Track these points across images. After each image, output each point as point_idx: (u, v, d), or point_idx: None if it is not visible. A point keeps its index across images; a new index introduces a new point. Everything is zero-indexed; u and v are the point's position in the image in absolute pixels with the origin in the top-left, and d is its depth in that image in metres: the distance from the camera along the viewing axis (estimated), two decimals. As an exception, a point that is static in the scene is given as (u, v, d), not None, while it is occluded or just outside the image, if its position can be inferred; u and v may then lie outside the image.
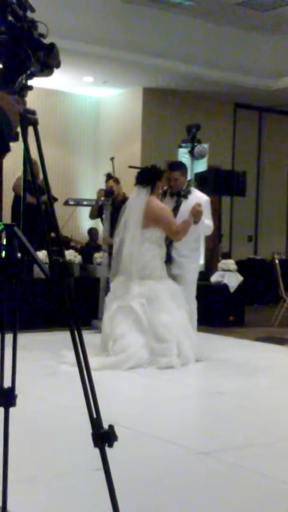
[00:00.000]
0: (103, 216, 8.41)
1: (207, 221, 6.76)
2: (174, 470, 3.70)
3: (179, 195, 6.87)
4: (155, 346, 6.33)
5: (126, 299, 6.50)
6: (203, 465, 3.81)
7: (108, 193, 8.34)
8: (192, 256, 6.90)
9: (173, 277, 6.77)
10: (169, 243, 6.77)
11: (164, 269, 6.69)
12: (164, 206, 6.68)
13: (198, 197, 6.84)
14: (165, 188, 6.95)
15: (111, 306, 6.60)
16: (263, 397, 5.54)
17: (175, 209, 6.79)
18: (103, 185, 12.63)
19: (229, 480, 3.60)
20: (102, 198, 8.39)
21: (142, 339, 6.34)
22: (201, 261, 7.19)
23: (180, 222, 6.63)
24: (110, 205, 8.31)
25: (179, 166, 7.11)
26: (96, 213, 8.65)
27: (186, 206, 6.75)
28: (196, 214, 6.58)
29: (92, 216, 8.93)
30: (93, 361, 5.77)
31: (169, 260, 6.77)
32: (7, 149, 2.10)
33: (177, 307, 6.51)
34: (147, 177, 6.66)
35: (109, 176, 8.66)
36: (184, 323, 6.50)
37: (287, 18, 11.23)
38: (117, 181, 8.60)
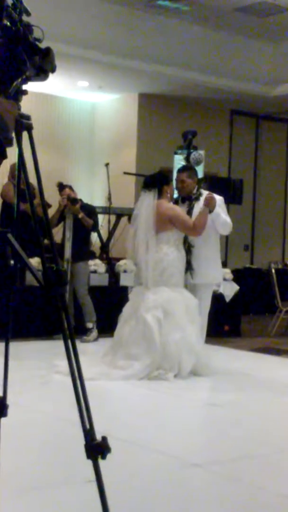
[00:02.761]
0: (66, 225, 8.29)
1: (223, 215, 6.60)
2: (168, 482, 3.65)
3: (190, 199, 6.78)
4: (158, 359, 6.20)
5: (141, 310, 6.34)
6: (197, 477, 3.76)
7: (73, 200, 8.28)
8: (211, 265, 6.71)
9: (190, 287, 6.62)
10: (187, 250, 6.63)
11: (182, 276, 6.51)
12: (174, 206, 6.58)
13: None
14: (175, 196, 6.87)
15: (129, 319, 6.44)
16: (258, 409, 5.49)
17: (188, 213, 6.66)
18: (99, 191, 12.65)
19: (224, 493, 3.56)
20: (67, 207, 8.26)
21: (150, 360, 6.17)
22: (219, 271, 6.99)
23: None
24: (71, 213, 8.24)
25: (186, 169, 7.06)
26: (56, 221, 8.49)
27: (199, 208, 6.60)
28: (209, 201, 6.43)
29: (52, 226, 8.48)
30: (92, 372, 5.75)
31: (189, 267, 6.60)
32: (4, 156, 2.06)
33: (190, 322, 6.36)
34: (154, 181, 6.59)
35: (62, 185, 8.55)
36: (193, 341, 6.35)
37: (285, 25, 11.24)
38: (72, 188, 8.56)
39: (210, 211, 6.45)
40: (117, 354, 6.38)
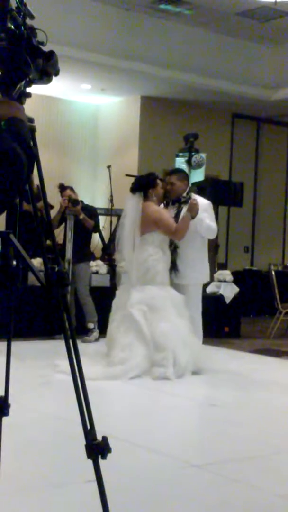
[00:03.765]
0: (67, 226, 8.32)
1: (207, 221, 6.67)
2: (168, 482, 3.67)
3: (179, 201, 6.82)
4: (155, 355, 6.29)
5: (127, 306, 6.47)
6: (196, 478, 3.78)
7: (74, 202, 8.31)
8: (195, 266, 6.79)
9: (176, 287, 6.72)
10: (173, 250, 6.72)
11: (167, 275, 6.65)
12: (160, 209, 6.69)
13: (198, 201, 6.77)
14: (167, 198, 6.91)
15: (115, 315, 6.59)
16: (257, 410, 5.51)
17: (177, 216, 6.73)
18: (101, 193, 12.68)
19: (223, 493, 3.57)
20: (68, 208, 8.29)
21: (144, 350, 6.30)
22: (204, 273, 7.01)
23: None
24: (73, 214, 8.26)
25: (176, 171, 7.11)
26: (57, 222, 8.50)
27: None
28: (192, 207, 6.51)
29: (54, 227, 8.65)
30: (93, 371, 5.79)
31: (173, 267, 6.72)
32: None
33: (178, 315, 6.47)
34: (140, 184, 6.71)
35: (63, 186, 8.58)
36: (184, 333, 6.45)
37: (285, 29, 11.27)
38: (73, 189, 8.58)
39: (193, 217, 6.51)
40: (111, 351, 6.44)
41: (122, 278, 7.00)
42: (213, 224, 6.77)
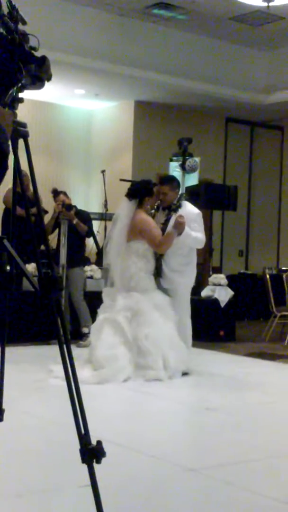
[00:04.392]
0: (61, 231, 8.32)
1: (194, 233, 6.70)
2: (163, 487, 3.66)
3: (169, 208, 6.87)
4: (139, 360, 6.33)
5: (112, 312, 6.53)
6: (192, 482, 3.77)
7: (68, 207, 8.31)
8: (183, 271, 6.85)
9: (164, 291, 6.75)
10: (159, 257, 6.77)
11: (151, 281, 6.70)
12: (147, 218, 6.71)
13: (188, 210, 6.82)
14: (157, 203, 6.95)
15: (98, 318, 6.64)
16: (253, 413, 5.51)
17: (166, 223, 6.79)
18: (95, 197, 12.68)
19: (219, 498, 3.57)
20: (61, 213, 8.28)
21: (128, 353, 6.34)
22: (190, 278, 7.05)
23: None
24: (67, 219, 8.26)
25: (169, 181, 7.11)
26: (52, 228, 8.48)
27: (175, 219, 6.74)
28: (178, 226, 6.56)
29: (48, 233, 8.49)
30: (83, 374, 5.80)
31: (159, 274, 6.77)
32: (7, 167, 2.08)
33: (163, 318, 6.51)
34: (137, 191, 6.73)
35: (56, 191, 8.58)
36: (170, 335, 6.50)
37: (279, 33, 11.30)
38: (66, 194, 8.59)
39: (179, 234, 6.54)
40: (94, 350, 6.45)
41: (105, 281, 7.08)
42: (199, 235, 6.78)
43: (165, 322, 6.51)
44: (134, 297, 6.54)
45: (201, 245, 6.94)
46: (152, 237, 6.61)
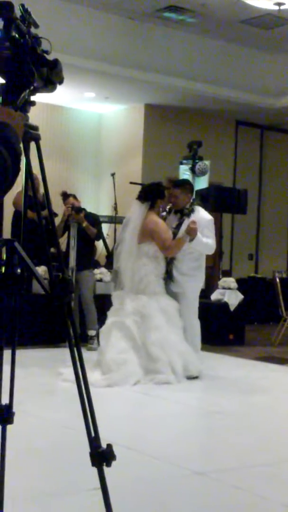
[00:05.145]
0: (70, 234, 8.32)
1: (205, 240, 6.68)
2: (172, 490, 3.66)
3: (182, 212, 6.84)
4: (148, 365, 6.32)
5: (121, 315, 6.53)
6: (200, 486, 3.77)
7: (78, 210, 8.32)
8: (193, 275, 6.83)
9: (173, 295, 6.74)
10: (170, 260, 6.76)
11: (161, 285, 6.68)
12: (159, 221, 6.70)
13: (201, 216, 6.80)
14: (169, 206, 6.94)
15: (107, 321, 6.63)
16: (262, 417, 5.50)
17: (178, 227, 6.77)
18: (105, 200, 12.69)
19: (227, 502, 3.56)
20: (71, 216, 8.28)
21: (137, 358, 6.34)
22: (199, 282, 7.04)
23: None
24: (76, 222, 8.26)
25: (181, 184, 7.09)
26: (62, 231, 8.46)
27: (188, 223, 6.73)
28: (190, 232, 6.55)
29: (58, 236, 8.59)
30: (93, 377, 5.81)
31: (169, 277, 6.75)
32: (19, 169, 2.09)
33: (169, 324, 6.50)
34: (149, 193, 6.72)
35: (66, 194, 8.59)
36: (176, 341, 6.47)
37: (289, 37, 11.29)
38: (75, 197, 8.59)
39: (190, 240, 6.52)
40: (104, 355, 6.45)
41: (114, 284, 7.06)
42: (210, 241, 6.76)
43: (170, 327, 6.50)
44: (142, 300, 6.54)
45: (211, 251, 6.93)
46: (162, 240, 6.60)
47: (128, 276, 6.66)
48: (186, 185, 7.11)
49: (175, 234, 6.72)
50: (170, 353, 6.40)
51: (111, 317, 6.65)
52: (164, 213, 6.90)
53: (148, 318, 6.45)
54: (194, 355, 6.66)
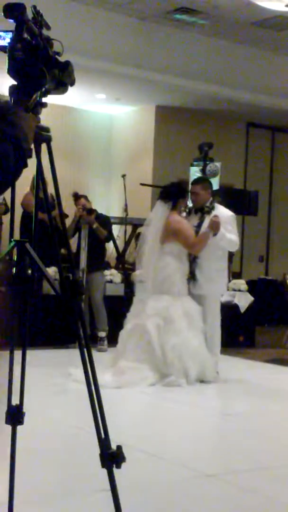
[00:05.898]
0: (81, 235, 8.33)
1: (228, 235, 6.61)
2: (182, 492, 3.66)
3: (203, 211, 6.80)
4: (163, 368, 6.29)
5: (142, 317, 6.46)
6: (211, 488, 3.76)
7: (89, 211, 8.33)
8: (216, 277, 6.73)
9: (194, 297, 6.67)
10: (193, 260, 6.69)
11: (185, 285, 6.61)
12: (181, 219, 6.65)
13: (221, 212, 6.71)
14: (190, 206, 6.90)
15: (128, 324, 6.60)
16: (272, 419, 5.48)
17: (199, 225, 6.71)
18: (116, 202, 12.70)
19: (238, 504, 3.56)
20: (83, 217, 8.29)
21: (151, 363, 6.30)
22: (222, 284, 6.99)
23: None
24: (86, 223, 8.27)
25: (201, 181, 7.08)
26: (73, 232, 8.47)
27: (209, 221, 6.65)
28: (214, 226, 6.49)
29: (69, 237, 8.38)
30: (103, 379, 5.81)
31: (193, 278, 6.68)
32: (26, 166, 2.10)
33: (190, 327, 6.43)
34: (171, 193, 6.69)
35: (77, 195, 8.59)
36: (195, 346, 6.42)
37: (301, 39, 11.26)
38: (87, 198, 8.59)
39: (214, 234, 6.49)
40: (119, 359, 6.46)
41: (137, 288, 7.00)
42: (234, 237, 6.71)
43: (192, 332, 6.43)
44: (165, 301, 6.47)
45: (235, 247, 6.86)
46: (186, 237, 6.53)
47: (151, 277, 6.59)
48: (205, 181, 7.09)
49: (196, 233, 6.64)
50: (186, 359, 6.33)
51: (132, 320, 6.59)
52: (184, 214, 6.86)
53: (171, 321, 6.38)
54: (212, 361, 6.57)
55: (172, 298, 6.49)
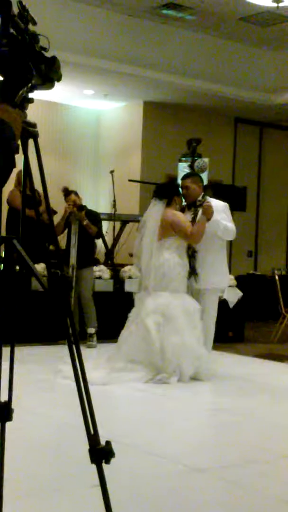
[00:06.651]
0: (72, 231, 8.31)
1: (224, 222, 6.62)
2: (172, 487, 3.66)
3: (195, 205, 6.80)
4: (159, 364, 6.28)
5: (142, 314, 6.45)
6: (200, 482, 3.77)
7: (80, 208, 8.30)
8: (216, 268, 6.72)
9: (196, 292, 6.66)
10: (192, 255, 6.69)
11: (184, 282, 6.57)
12: (176, 212, 6.62)
13: (215, 203, 6.72)
14: (183, 204, 6.89)
15: (131, 325, 6.56)
16: (262, 415, 5.50)
17: (193, 220, 6.69)
18: (104, 198, 12.70)
19: (228, 499, 3.57)
20: (73, 213, 8.27)
21: (148, 360, 6.30)
22: (224, 277, 6.98)
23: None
24: (77, 220, 8.26)
25: (191, 175, 7.10)
26: (62, 228, 8.44)
27: None
28: (206, 211, 6.48)
29: (58, 233, 8.40)
30: (96, 376, 5.80)
31: (193, 272, 6.66)
32: (14, 165, 2.09)
33: (190, 326, 6.41)
34: (165, 191, 6.68)
35: (67, 191, 8.56)
36: (194, 345, 6.41)
37: (288, 34, 11.29)
38: (77, 194, 8.57)
39: (208, 220, 6.48)
40: (117, 356, 6.46)
41: (127, 283, 6.99)
42: (230, 224, 6.72)
43: (191, 329, 6.43)
44: (165, 298, 6.44)
45: (232, 235, 6.82)
46: (183, 229, 6.50)
47: (150, 274, 6.55)
48: (195, 176, 7.09)
49: None
50: (183, 358, 6.32)
51: (133, 320, 6.56)
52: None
53: (171, 319, 6.35)
54: (208, 360, 6.57)
55: (171, 295, 6.47)
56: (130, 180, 11.30)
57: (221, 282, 6.94)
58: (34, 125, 2.40)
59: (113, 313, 8.36)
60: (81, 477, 3.53)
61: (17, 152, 2.16)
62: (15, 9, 2.27)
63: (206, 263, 6.66)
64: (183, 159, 10.37)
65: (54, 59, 2.34)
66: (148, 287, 6.55)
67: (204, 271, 6.66)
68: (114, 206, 10.92)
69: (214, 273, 6.72)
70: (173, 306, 6.40)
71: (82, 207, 8.34)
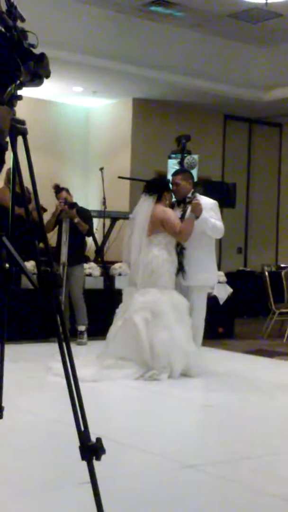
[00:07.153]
0: (62, 228, 8.29)
1: (212, 220, 6.62)
2: (163, 484, 3.67)
3: (185, 202, 6.79)
4: (149, 361, 6.28)
5: (130, 310, 6.45)
6: (192, 479, 3.78)
7: (71, 205, 8.28)
8: (205, 266, 6.73)
9: (184, 288, 6.66)
10: (180, 252, 6.69)
11: (172, 278, 6.57)
12: (166, 209, 6.62)
13: (204, 201, 6.71)
14: (173, 200, 6.89)
15: (118, 321, 6.56)
16: (252, 410, 5.52)
17: (182, 217, 6.68)
18: (94, 195, 12.68)
19: (218, 494, 3.58)
20: (64, 211, 8.25)
21: (139, 358, 6.30)
22: (212, 274, 6.99)
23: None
24: (68, 217, 8.24)
25: (181, 171, 7.09)
26: (53, 225, 8.41)
27: None
28: (194, 208, 6.47)
29: (49, 230, 8.38)
30: (87, 373, 5.79)
31: (180, 269, 6.65)
32: (4, 162, 2.09)
33: (178, 322, 6.41)
34: (155, 187, 6.68)
35: (59, 188, 8.53)
36: (182, 341, 6.42)
37: (277, 30, 11.29)
38: (68, 191, 8.54)
39: (197, 217, 6.49)
40: (106, 353, 6.47)
41: (117, 280, 6.99)
42: (218, 223, 6.71)
43: (180, 326, 6.44)
44: (153, 295, 6.44)
45: (220, 233, 6.81)
46: (172, 225, 6.49)
47: (138, 269, 6.54)
48: (186, 172, 7.09)
49: None
50: (173, 354, 6.32)
51: (120, 316, 6.56)
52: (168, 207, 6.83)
53: (159, 316, 6.35)
54: (198, 357, 6.57)
55: (160, 291, 6.47)
56: (119, 177, 11.28)
57: (208, 280, 6.95)
58: (23, 122, 2.40)
59: (103, 311, 8.35)
60: (72, 474, 3.53)
61: (6, 149, 2.16)
62: (3, 6, 2.27)
63: (194, 260, 6.67)
64: (173, 156, 10.36)
65: (42, 55, 2.34)
66: (136, 282, 6.56)
67: (192, 268, 6.67)
68: (104, 203, 10.91)
69: (201, 270, 6.72)
70: (161, 302, 6.41)
71: (73, 205, 8.31)
